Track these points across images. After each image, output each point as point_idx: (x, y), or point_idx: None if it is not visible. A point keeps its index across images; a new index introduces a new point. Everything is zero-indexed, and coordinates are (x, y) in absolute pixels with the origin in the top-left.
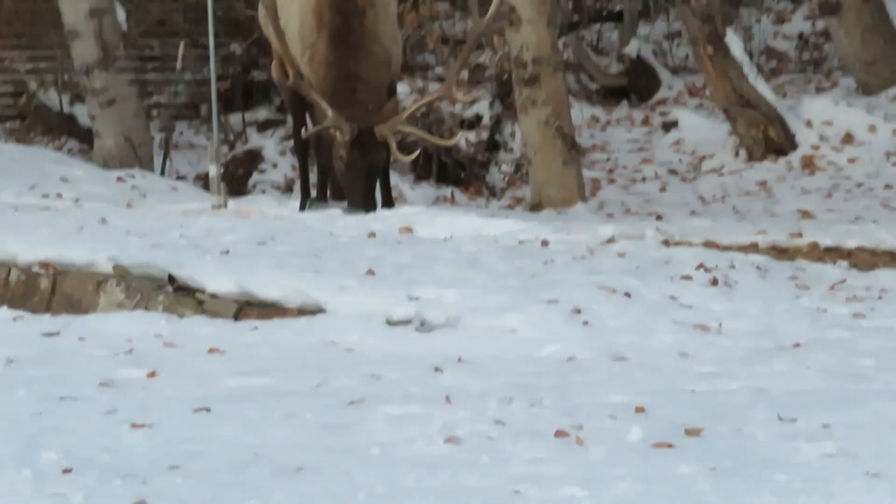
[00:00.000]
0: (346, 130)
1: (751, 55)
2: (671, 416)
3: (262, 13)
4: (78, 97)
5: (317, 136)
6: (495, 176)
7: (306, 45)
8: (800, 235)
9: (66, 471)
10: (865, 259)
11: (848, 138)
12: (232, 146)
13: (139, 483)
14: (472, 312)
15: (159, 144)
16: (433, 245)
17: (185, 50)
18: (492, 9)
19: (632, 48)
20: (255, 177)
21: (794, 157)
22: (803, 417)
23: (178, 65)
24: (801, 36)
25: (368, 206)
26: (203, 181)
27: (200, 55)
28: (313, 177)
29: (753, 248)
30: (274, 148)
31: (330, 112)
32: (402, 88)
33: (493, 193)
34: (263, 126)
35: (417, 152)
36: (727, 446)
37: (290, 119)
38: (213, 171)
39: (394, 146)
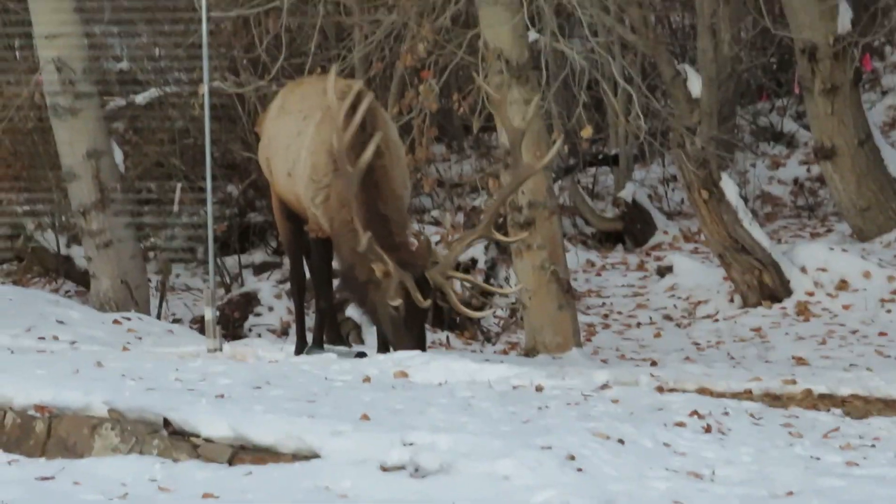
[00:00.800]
0: (407, 280)
1: (746, 200)
2: None
3: (262, 156)
4: (75, 239)
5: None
6: (490, 320)
7: (319, 187)
8: (794, 382)
9: None
10: (859, 407)
11: (843, 284)
12: (228, 289)
13: None
14: (465, 458)
15: (156, 287)
16: (427, 390)
17: (182, 192)
18: (550, 153)
19: (627, 192)
20: (251, 320)
21: (789, 303)
22: None
23: (175, 207)
24: (796, 181)
25: (423, 346)
26: (199, 324)
27: (197, 198)
28: (309, 321)
29: (747, 394)
30: (269, 291)
31: (392, 266)
32: None
33: (488, 338)
34: (259, 269)
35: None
36: None
37: (286, 262)
38: (209, 314)
39: (452, 294)
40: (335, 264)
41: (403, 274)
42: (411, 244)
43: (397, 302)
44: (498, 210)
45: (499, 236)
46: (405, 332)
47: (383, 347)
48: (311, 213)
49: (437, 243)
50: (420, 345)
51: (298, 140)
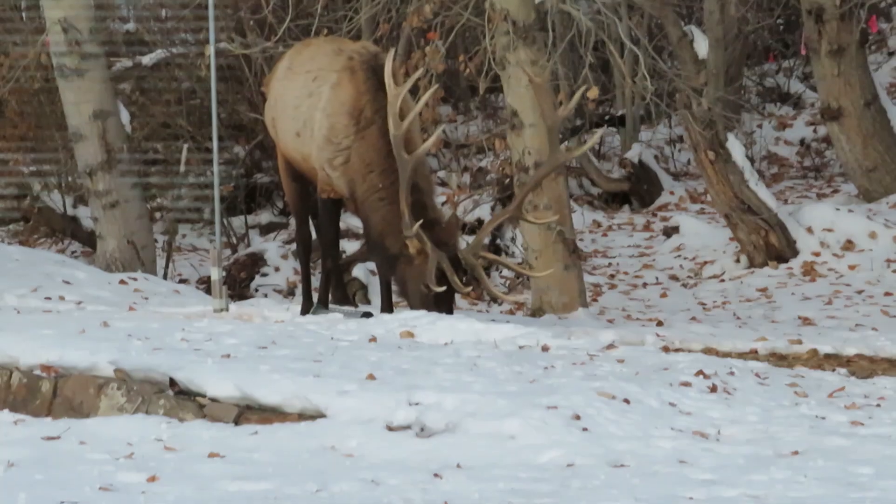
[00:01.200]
0: (445, 263)
1: (752, 161)
2: None
3: (268, 115)
4: (81, 199)
5: (326, 236)
6: (497, 280)
7: (339, 149)
8: (799, 342)
9: None
10: (864, 366)
11: (849, 245)
12: (234, 249)
13: None
14: (471, 418)
15: (162, 247)
16: (433, 350)
17: (189, 153)
18: (589, 142)
19: (633, 153)
20: (258, 280)
21: (795, 264)
22: None
23: (182, 168)
24: (802, 142)
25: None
26: (205, 284)
27: (203, 158)
28: (315, 281)
29: (753, 354)
30: (276, 251)
31: (431, 248)
32: None
33: (494, 298)
34: (266, 229)
35: (470, 287)
36: None
37: (292, 222)
38: (215, 274)
39: (482, 275)
40: (360, 228)
41: (441, 256)
42: (442, 218)
43: (440, 288)
44: (529, 191)
45: (530, 219)
46: (434, 309)
47: (388, 307)
48: (324, 173)
49: (443, 203)
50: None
51: (309, 101)
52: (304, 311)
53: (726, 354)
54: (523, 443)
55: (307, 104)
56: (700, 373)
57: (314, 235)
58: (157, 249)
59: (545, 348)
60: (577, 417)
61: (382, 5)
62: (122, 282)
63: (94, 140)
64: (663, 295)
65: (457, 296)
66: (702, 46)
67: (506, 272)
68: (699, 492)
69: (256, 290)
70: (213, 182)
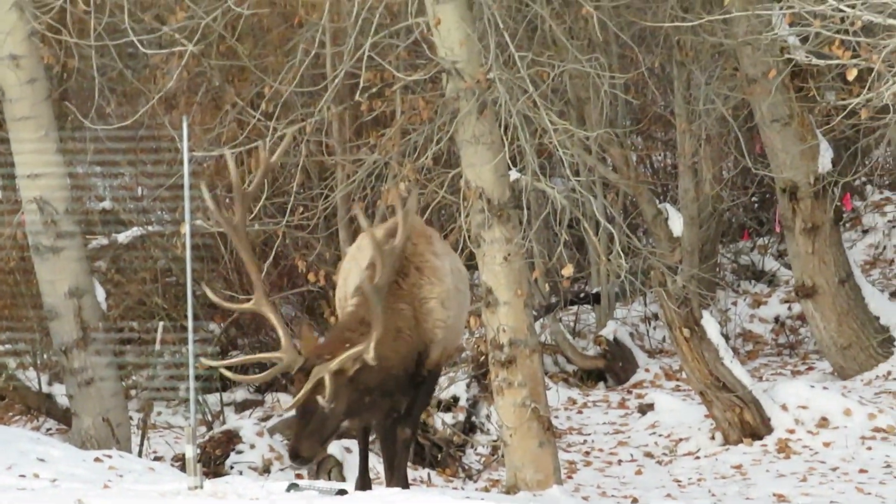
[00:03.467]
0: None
1: (727, 338)
2: None
3: (339, 296)
4: (56, 377)
5: None
6: (472, 458)
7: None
8: None
9: None
10: None
11: (823, 422)
12: (209, 426)
13: None
14: None
15: (137, 425)
16: None
17: (164, 331)
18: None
19: (609, 330)
20: (233, 458)
21: (770, 441)
22: None
23: (157, 346)
24: (777, 319)
25: None
26: (180, 462)
27: (179, 336)
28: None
29: None
30: (252, 428)
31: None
32: None
33: (470, 476)
34: (241, 406)
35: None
36: None
37: (268, 399)
38: (190, 451)
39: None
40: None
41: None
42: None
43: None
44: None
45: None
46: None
47: (363, 484)
48: None
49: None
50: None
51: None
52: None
53: None
54: None
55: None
56: None
57: None
58: (133, 427)
59: None
60: None
61: (357, 183)
62: (97, 459)
63: (69, 318)
64: (638, 472)
65: (433, 472)
66: (677, 224)
67: (480, 449)
68: None
69: (231, 468)
70: (188, 360)
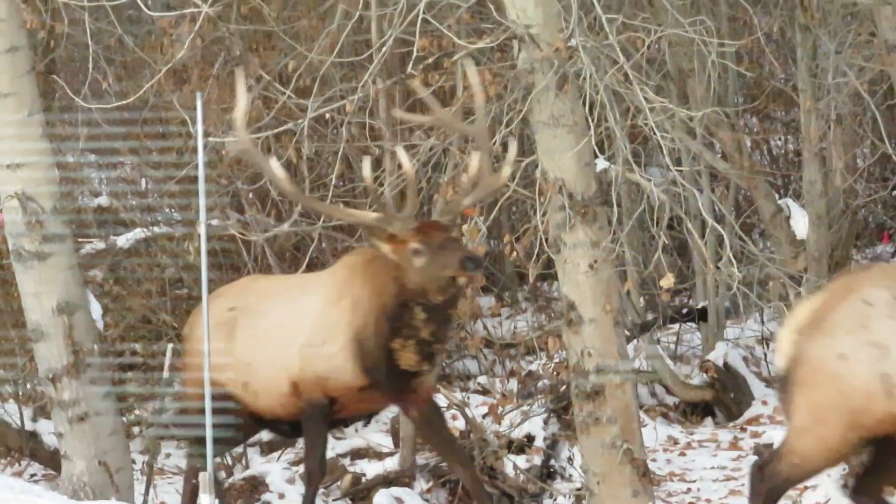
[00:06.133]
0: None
1: None
2: None
3: None
4: (42, 411)
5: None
6: None
7: None
8: None
9: None
10: None
11: None
12: (230, 472)
13: None
14: None
15: (141, 469)
16: None
17: (174, 355)
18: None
19: (717, 354)
20: None
21: None
22: None
23: (165, 373)
24: None
25: None
26: None
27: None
28: None
29: None
30: (280, 474)
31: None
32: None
33: None
34: (268, 448)
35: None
36: None
37: (300, 440)
38: (206, 502)
39: None
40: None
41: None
42: None
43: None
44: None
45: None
46: None
47: None
48: None
49: (484, 416)
50: None
51: None
52: None
53: None
54: None
55: None
56: None
57: None
58: (136, 472)
59: None
60: None
61: None
62: None
63: (58, 339)
64: None
65: None
66: (800, 224)
67: (561, 499)
68: None
69: None
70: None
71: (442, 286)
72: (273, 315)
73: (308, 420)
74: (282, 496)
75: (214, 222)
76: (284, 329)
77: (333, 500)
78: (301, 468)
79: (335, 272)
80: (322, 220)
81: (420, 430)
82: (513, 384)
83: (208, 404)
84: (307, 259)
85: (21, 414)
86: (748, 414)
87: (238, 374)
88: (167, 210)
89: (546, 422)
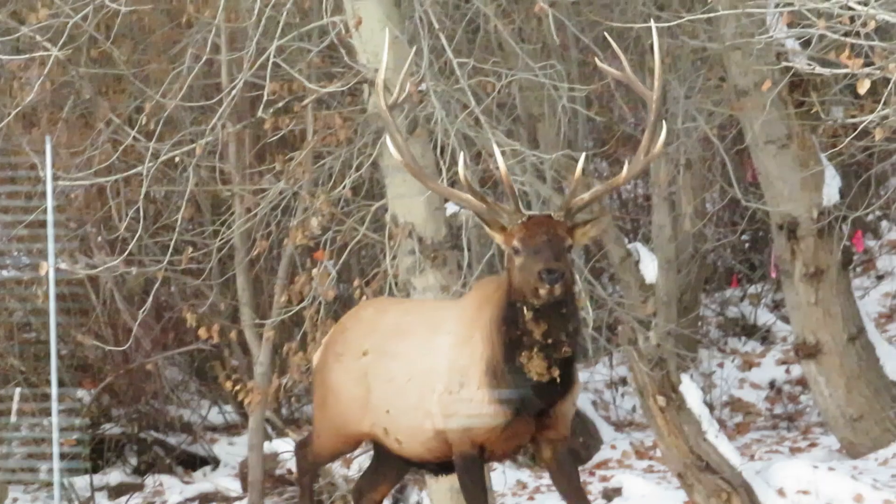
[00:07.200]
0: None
1: (711, 408)
2: None
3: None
4: None
5: None
6: None
7: None
8: None
9: None
10: None
11: None
12: None
13: None
14: None
15: None
16: None
17: (22, 399)
18: None
19: None
20: None
21: None
22: None
23: (13, 417)
24: (772, 385)
25: None
26: None
27: (40, 406)
28: None
29: None
30: None
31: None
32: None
33: None
34: (116, 492)
35: None
36: None
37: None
38: None
39: None
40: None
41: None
42: None
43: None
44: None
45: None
46: None
47: None
48: None
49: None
50: None
51: None
52: None
53: None
54: None
55: None
56: None
57: None
58: None
59: None
60: None
61: (259, 218)
62: None
63: None
64: None
65: None
66: (650, 269)
67: None
68: None
69: None
70: (51, 434)
71: (532, 291)
72: (407, 356)
73: (464, 474)
74: None
75: (63, 266)
76: (422, 372)
77: None
78: None
79: (466, 304)
80: (167, 261)
81: (551, 475)
82: None
83: (55, 437)
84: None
85: None
86: (597, 458)
87: (378, 420)
88: (15, 254)
89: None
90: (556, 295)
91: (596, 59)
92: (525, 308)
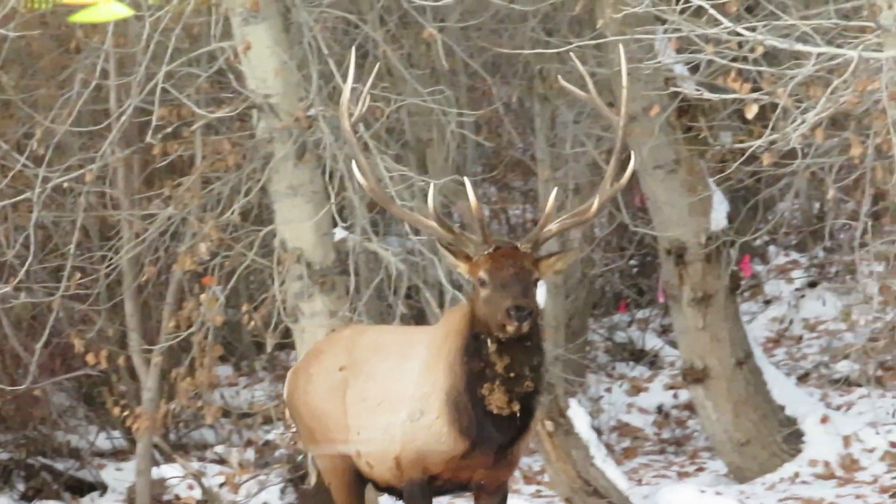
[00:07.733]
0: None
1: (599, 432)
2: None
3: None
4: None
5: None
6: None
7: None
8: None
9: None
10: None
11: None
12: None
13: None
14: None
15: None
16: None
17: None
18: None
19: None
20: None
21: None
22: None
23: None
24: (660, 409)
25: None
26: None
27: None
28: None
29: None
30: None
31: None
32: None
33: None
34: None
35: None
36: None
37: None
38: None
39: None
40: None
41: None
42: None
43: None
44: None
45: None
46: None
47: None
48: None
49: (221, 485)
50: None
51: None
52: None
53: None
54: None
55: None
56: None
57: None
58: None
59: None
60: None
61: (148, 244)
62: None
63: None
64: None
65: None
66: (538, 293)
67: None
68: None
69: None
70: None
71: (498, 325)
72: (382, 378)
73: (410, 500)
74: None
75: None
76: (392, 397)
77: None
78: None
79: (436, 332)
80: (62, 289)
81: None
82: (250, 454)
83: None
84: (46, 329)
85: None
86: None
87: (352, 440)
88: None
89: (283, 491)
90: (524, 332)
91: (559, 78)
92: (489, 340)
